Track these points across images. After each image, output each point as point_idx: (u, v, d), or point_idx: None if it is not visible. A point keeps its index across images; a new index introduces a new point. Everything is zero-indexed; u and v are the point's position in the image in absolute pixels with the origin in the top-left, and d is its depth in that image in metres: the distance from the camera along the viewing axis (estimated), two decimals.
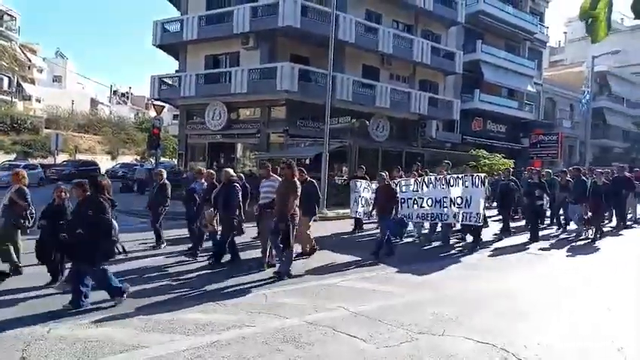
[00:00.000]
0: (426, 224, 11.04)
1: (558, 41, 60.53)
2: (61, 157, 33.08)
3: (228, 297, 6.23)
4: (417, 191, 10.39)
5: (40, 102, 51.94)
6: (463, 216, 9.64)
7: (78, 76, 61.40)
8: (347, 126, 22.02)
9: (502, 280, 7.74)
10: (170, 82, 26.88)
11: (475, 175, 9.83)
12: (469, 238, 10.68)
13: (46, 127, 42.42)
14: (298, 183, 7.59)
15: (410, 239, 11.28)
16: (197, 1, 26.76)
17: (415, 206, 10.34)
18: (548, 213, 13.47)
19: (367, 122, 24.82)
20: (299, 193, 7.46)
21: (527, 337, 4.93)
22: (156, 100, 27.25)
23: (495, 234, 12.03)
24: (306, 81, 22.76)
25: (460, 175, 10.00)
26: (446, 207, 9.84)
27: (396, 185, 10.30)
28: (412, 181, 10.66)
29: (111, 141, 48.39)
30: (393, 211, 9.23)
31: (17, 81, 45.09)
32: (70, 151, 38.47)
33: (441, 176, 10.27)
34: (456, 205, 9.70)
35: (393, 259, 8.83)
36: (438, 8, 28.49)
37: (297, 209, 7.45)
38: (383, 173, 9.78)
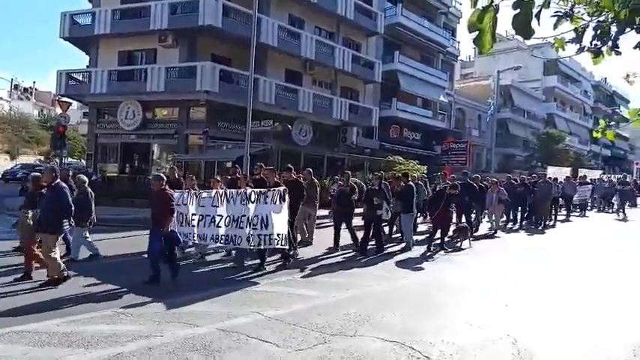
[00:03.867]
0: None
1: (468, 55, 64.82)
2: None
3: (134, 306, 5.89)
4: (217, 206, 8.22)
5: None
6: (260, 239, 7.64)
7: None
8: (269, 129, 21.93)
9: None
10: (79, 78, 25.09)
11: (274, 189, 7.88)
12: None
13: None
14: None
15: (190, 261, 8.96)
16: None
17: (212, 225, 8.18)
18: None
19: (290, 126, 24.88)
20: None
21: (432, 335, 5.15)
22: (63, 96, 25.30)
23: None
24: (227, 82, 22.35)
25: (263, 190, 7.94)
26: (242, 227, 7.82)
27: (196, 197, 8.47)
28: (213, 192, 8.46)
29: (10, 140, 44.32)
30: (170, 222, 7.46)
31: None
32: None
33: (242, 190, 8.22)
34: (251, 226, 7.73)
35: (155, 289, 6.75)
36: (359, 17, 29.31)
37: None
38: (159, 174, 8.13)
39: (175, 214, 7.94)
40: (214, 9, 21.57)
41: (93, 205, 8.86)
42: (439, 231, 10.84)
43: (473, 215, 13.84)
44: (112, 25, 23.60)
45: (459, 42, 43.06)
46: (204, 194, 8.46)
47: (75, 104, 31.62)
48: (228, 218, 7.99)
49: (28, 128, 49.08)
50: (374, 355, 4.59)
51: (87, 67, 26.50)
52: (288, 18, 26.49)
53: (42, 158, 43.45)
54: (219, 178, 9.86)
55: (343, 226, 10.42)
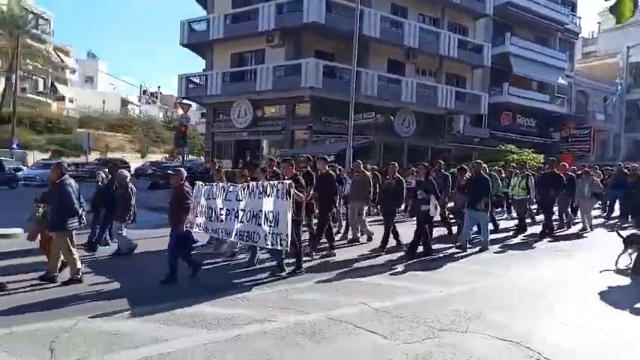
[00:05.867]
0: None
1: (591, 32, 58.53)
2: (93, 156, 34.01)
3: (249, 292, 6.28)
4: (240, 200, 7.44)
5: (72, 102, 53.57)
6: (273, 238, 6.75)
7: (109, 77, 63.03)
8: (371, 122, 21.87)
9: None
10: (197, 81, 27.27)
11: (278, 182, 7.05)
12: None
13: (78, 127, 43.78)
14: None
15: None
16: (223, 0, 27.03)
17: (236, 220, 7.42)
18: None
19: (392, 117, 24.60)
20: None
21: (547, 333, 4.79)
22: (184, 98, 27.70)
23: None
24: (330, 77, 22.73)
25: (274, 183, 7.06)
26: (260, 224, 6.96)
27: (224, 190, 7.80)
28: (239, 187, 7.63)
29: (140, 140, 49.66)
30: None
31: (51, 82, 46.55)
32: (101, 150, 39.54)
33: (260, 182, 7.37)
34: (269, 223, 6.86)
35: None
36: (466, 1, 27.95)
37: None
38: (179, 169, 7.63)
39: (203, 209, 7.89)
40: (318, 6, 22.05)
41: (134, 200, 8.73)
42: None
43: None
44: (224, 30, 25.25)
45: (579, 18, 39.18)
46: (232, 187, 7.79)
47: (194, 105, 34.47)
48: (249, 212, 7.19)
49: (154, 129, 54.60)
50: (489, 353, 4.39)
51: (203, 70, 28.65)
52: (391, 7, 26.14)
53: (167, 156, 48.02)
54: (246, 172, 9.10)
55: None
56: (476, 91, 29.73)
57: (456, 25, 29.36)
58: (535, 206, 13.62)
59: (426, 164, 9.75)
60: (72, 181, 6.77)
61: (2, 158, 24.87)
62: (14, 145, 31.92)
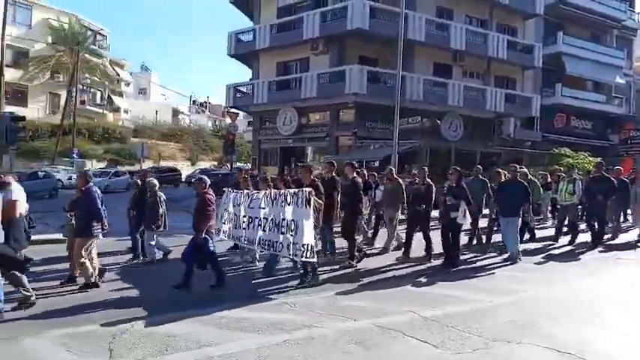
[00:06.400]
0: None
1: None
2: (147, 164, 35.44)
3: (297, 297, 6.32)
4: (264, 208, 7.31)
5: (127, 113, 56.09)
6: (294, 247, 6.54)
7: (161, 88, 65.57)
8: (417, 126, 21.58)
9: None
10: (244, 90, 27.93)
11: (298, 190, 6.81)
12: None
13: (132, 136, 45.88)
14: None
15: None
16: (269, 11, 27.60)
17: (259, 229, 7.30)
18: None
19: (438, 122, 24.18)
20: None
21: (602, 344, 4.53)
22: (231, 107, 28.41)
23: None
24: (374, 82, 22.67)
25: (295, 191, 6.86)
26: (283, 232, 6.77)
27: (248, 197, 7.75)
28: (262, 194, 7.49)
29: (190, 148, 51.38)
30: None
31: (108, 94, 48.98)
32: (154, 158, 41.13)
33: (283, 190, 7.23)
34: (290, 232, 6.65)
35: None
36: (514, 1, 27.14)
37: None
38: (202, 177, 7.51)
39: (230, 217, 7.93)
40: (362, 12, 22.09)
41: (163, 209, 8.72)
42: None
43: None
44: (270, 39, 25.75)
45: (638, 13, 37.00)
46: (255, 195, 7.66)
47: (241, 114, 35.25)
48: (272, 221, 7.05)
49: (204, 138, 56.36)
50: None
51: (250, 79, 29.31)
52: (436, 10, 25.78)
53: (215, 163, 49.26)
54: (268, 178, 8.97)
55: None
56: (527, 93, 28.76)
57: (505, 26, 28.52)
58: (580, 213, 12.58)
59: (459, 168, 9.10)
60: (96, 189, 7.03)
61: (46, 169, 25.76)
62: (74, 155, 33.78)
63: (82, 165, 34.12)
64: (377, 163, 20.21)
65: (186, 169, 40.26)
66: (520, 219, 9.09)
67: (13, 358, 4.35)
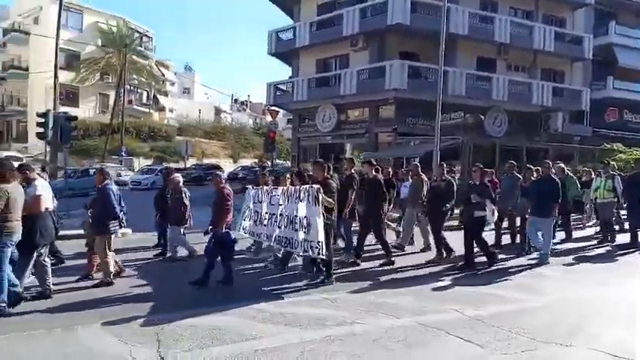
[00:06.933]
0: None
1: None
2: (191, 162, 36.43)
3: (337, 293, 6.33)
4: (281, 205, 7.27)
5: (172, 112, 57.87)
6: (306, 245, 6.47)
7: (203, 87, 67.16)
8: (459, 122, 21.11)
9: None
10: (284, 88, 28.18)
11: (308, 187, 6.66)
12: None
13: (177, 135, 47.26)
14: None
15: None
16: (309, 8, 27.69)
17: (275, 225, 7.33)
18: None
19: (482, 117, 23.55)
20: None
21: None
22: (272, 105, 28.72)
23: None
24: (415, 78, 22.34)
25: (306, 187, 6.72)
26: (296, 229, 6.71)
27: (268, 194, 7.76)
28: (280, 190, 7.47)
29: (232, 146, 52.45)
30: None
31: (153, 94, 50.64)
32: (197, 156, 42.23)
33: (297, 187, 7.05)
34: (303, 229, 6.57)
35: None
36: None
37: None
38: (218, 172, 7.54)
39: (251, 213, 8.00)
40: (402, 7, 21.82)
41: (188, 205, 8.63)
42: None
43: None
44: (310, 37, 25.84)
45: None
46: (274, 192, 7.65)
47: (281, 112, 35.55)
48: (287, 217, 7.03)
49: (245, 135, 57.41)
50: None
51: (289, 77, 29.53)
52: (480, 3, 25.12)
53: (256, 161, 50.02)
54: (288, 175, 8.73)
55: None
56: (576, 86, 27.55)
57: (552, 17, 27.41)
58: (624, 212, 11.71)
59: (481, 166, 8.70)
60: (113, 186, 7.10)
61: (96, 167, 26.57)
62: (123, 152, 35.18)
63: (130, 162, 35.48)
64: (417, 160, 19.91)
65: (228, 167, 41.06)
66: (554, 220, 8.72)
67: (74, 345, 4.58)
